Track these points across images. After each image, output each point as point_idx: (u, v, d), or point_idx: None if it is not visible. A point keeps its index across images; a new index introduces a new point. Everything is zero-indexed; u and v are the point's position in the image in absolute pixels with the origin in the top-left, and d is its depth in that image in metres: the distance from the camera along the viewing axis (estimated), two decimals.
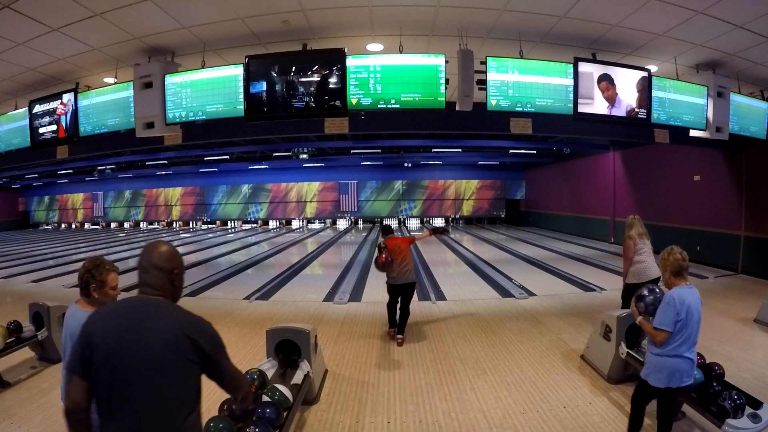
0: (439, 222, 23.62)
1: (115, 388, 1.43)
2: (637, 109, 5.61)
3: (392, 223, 22.67)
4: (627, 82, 5.53)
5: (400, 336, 5.07)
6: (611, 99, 5.48)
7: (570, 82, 5.32)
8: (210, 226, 24.85)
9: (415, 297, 5.80)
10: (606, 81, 5.44)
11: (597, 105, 5.44)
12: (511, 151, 16.19)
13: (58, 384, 2.41)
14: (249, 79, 5.08)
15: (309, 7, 4.50)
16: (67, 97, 5.97)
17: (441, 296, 7.15)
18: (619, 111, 5.54)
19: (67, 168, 18.42)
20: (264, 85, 5.09)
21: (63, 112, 6.02)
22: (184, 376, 1.48)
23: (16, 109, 6.73)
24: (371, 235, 17.74)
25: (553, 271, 9.36)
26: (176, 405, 1.47)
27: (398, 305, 5.19)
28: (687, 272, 2.68)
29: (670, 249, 2.74)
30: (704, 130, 6.18)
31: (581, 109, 5.36)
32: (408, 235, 14.65)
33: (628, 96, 5.55)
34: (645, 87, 5.60)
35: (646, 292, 2.87)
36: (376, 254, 5.16)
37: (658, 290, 2.87)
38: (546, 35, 5.24)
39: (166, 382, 1.45)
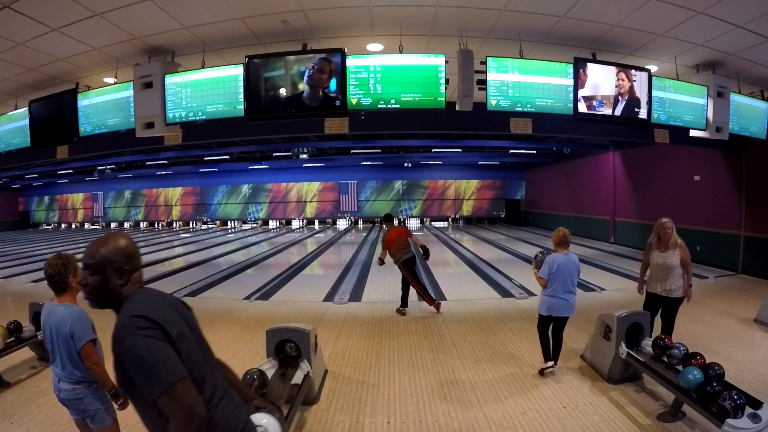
0: (440, 224, 23.70)
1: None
2: (637, 109, 5.61)
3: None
4: (627, 81, 5.52)
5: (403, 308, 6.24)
6: (610, 96, 5.48)
7: (570, 82, 5.32)
8: (210, 226, 24.86)
9: (415, 296, 6.34)
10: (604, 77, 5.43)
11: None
12: (511, 151, 16.20)
13: None
14: (249, 79, 5.08)
15: (309, 7, 4.50)
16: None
17: (441, 296, 7.14)
18: (619, 110, 5.54)
19: (67, 168, 18.42)
20: (264, 85, 5.09)
21: None
22: None
23: (16, 109, 6.73)
24: (371, 235, 17.73)
25: None
26: None
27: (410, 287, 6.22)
28: (567, 245, 4.01)
29: (557, 229, 4.03)
30: (704, 130, 6.18)
31: (581, 107, 5.37)
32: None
33: (627, 95, 5.54)
34: (645, 86, 5.60)
35: (539, 254, 4.27)
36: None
37: (546, 253, 4.16)
38: (546, 35, 5.23)
39: None
